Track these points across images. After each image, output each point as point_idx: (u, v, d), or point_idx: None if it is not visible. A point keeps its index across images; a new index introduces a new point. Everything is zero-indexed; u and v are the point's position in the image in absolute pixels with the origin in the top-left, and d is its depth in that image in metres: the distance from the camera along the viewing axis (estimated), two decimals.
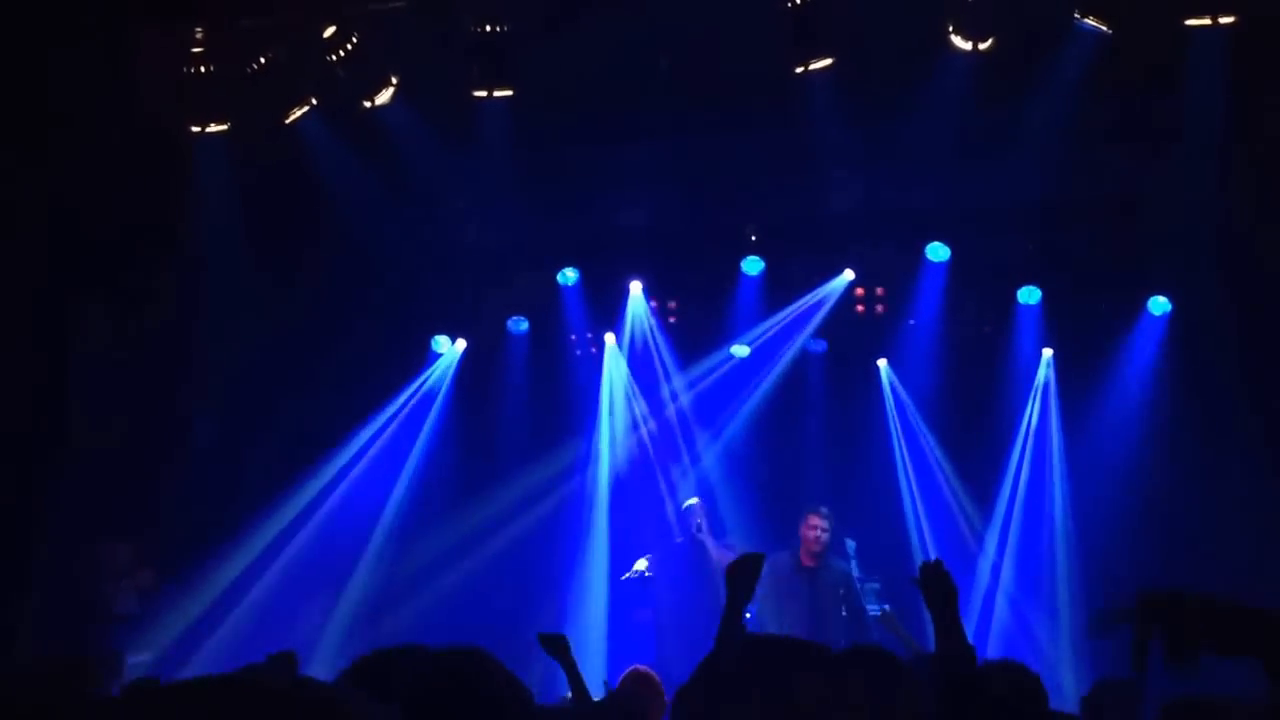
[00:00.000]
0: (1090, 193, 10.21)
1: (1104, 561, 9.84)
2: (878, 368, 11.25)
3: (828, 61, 8.91)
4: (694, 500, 9.93)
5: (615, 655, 9.92)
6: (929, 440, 10.96)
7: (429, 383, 11.57)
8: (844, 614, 8.85)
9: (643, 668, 6.20)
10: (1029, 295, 10.80)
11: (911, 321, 11.09)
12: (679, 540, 9.80)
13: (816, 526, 8.83)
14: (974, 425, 10.87)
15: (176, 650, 9.24)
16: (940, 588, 4.02)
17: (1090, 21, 8.72)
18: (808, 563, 8.91)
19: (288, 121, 9.43)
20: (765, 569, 4.43)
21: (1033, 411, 10.86)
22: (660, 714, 5.75)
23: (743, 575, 4.23)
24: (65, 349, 9.66)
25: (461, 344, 11.61)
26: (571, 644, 5.23)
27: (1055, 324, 10.80)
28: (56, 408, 9.53)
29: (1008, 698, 4.04)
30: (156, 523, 9.91)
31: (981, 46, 8.80)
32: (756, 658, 3.31)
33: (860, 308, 11.25)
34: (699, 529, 9.31)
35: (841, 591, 8.94)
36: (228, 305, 10.22)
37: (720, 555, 9.01)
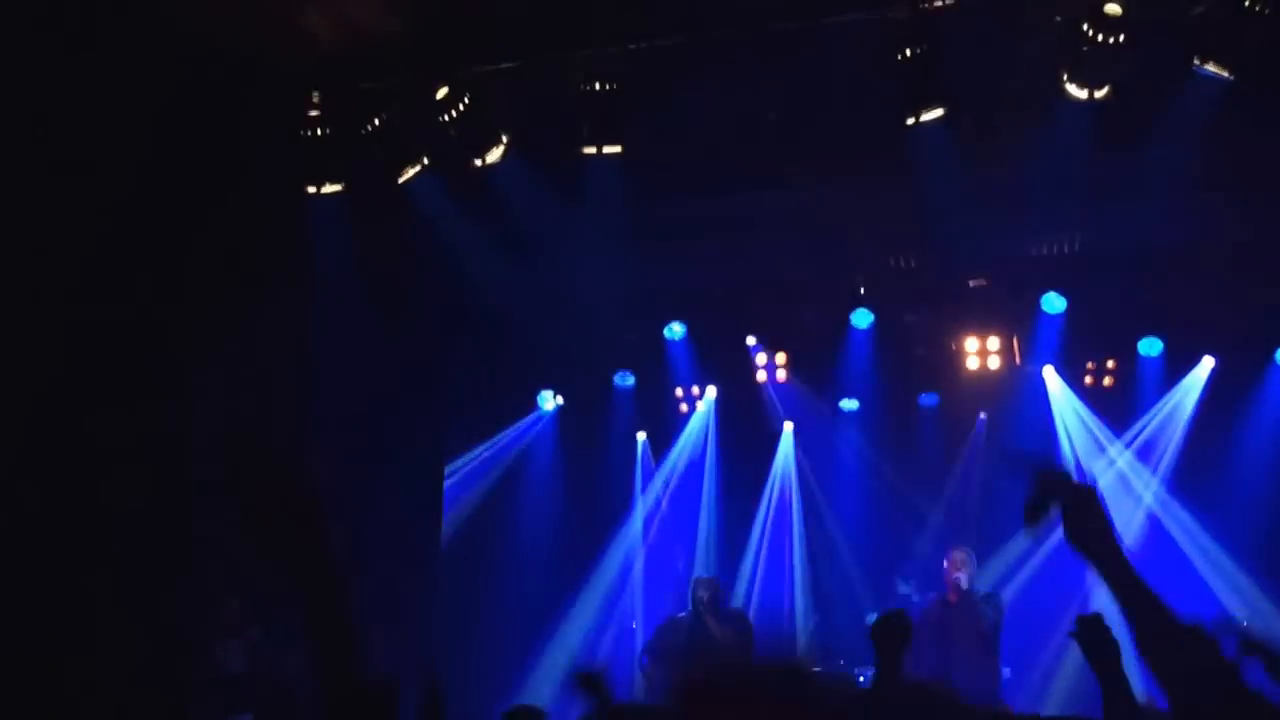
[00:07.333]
0: (1213, 241, 9.92)
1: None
2: (983, 421, 11.05)
3: (939, 112, 8.80)
4: (704, 577, 9.78)
5: None
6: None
7: (525, 437, 11.65)
8: (980, 641, 8.72)
9: None
10: (1150, 347, 10.51)
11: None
12: (683, 614, 9.65)
13: (957, 565, 8.89)
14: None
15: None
16: (1103, 644, 3.81)
17: (1210, 68, 8.51)
18: (952, 599, 8.89)
19: (401, 181, 9.58)
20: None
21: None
22: None
23: (884, 635, 4.09)
24: (180, 404, 9.79)
25: (558, 400, 11.70)
26: None
27: (1178, 377, 10.49)
28: (171, 464, 9.65)
29: None
30: (263, 576, 9.91)
31: (1098, 95, 8.63)
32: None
33: (976, 362, 11.04)
34: (704, 604, 9.22)
35: (970, 620, 8.84)
36: (339, 361, 10.31)
37: (722, 633, 9.00)
